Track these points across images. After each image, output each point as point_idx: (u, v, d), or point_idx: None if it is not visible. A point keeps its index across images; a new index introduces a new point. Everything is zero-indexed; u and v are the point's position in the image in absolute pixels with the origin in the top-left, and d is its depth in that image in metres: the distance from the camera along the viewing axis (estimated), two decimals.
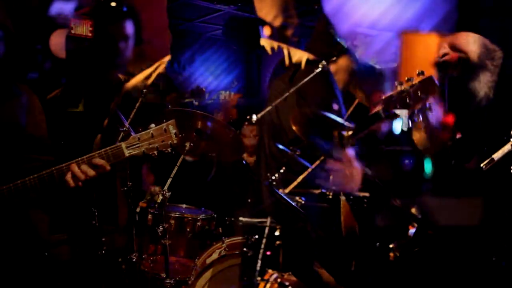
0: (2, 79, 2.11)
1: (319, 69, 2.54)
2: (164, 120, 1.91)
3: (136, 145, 1.86)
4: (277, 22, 2.84)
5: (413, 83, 1.40)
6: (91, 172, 1.85)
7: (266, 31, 2.99)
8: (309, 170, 3.15)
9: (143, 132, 1.88)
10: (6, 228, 1.93)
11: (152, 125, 1.89)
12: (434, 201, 1.64)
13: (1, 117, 2.03)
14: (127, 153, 1.86)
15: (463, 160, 1.58)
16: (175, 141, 1.87)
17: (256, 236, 2.57)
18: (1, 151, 1.97)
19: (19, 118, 2.07)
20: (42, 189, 1.87)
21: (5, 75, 2.13)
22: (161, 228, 2.57)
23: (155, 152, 1.87)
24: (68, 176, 1.85)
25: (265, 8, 2.82)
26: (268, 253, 2.61)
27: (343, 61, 2.69)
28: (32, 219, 2.08)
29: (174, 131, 1.88)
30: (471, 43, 1.47)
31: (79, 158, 1.87)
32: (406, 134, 2.58)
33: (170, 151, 1.89)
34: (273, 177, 3.21)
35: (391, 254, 1.55)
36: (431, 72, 1.67)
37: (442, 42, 1.47)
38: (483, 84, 1.46)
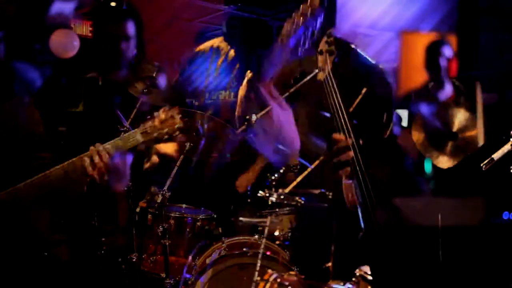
0: (3, 78, 2.11)
1: (316, 71, 2.54)
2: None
3: (149, 132, 1.99)
4: None
5: None
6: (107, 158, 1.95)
7: None
8: (309, 170, 3.15)
9: (152, 119, 2.00)
10: (5, 227, 1.94)
11: (156, 113, 2.01)
12: (434, 201, 1.64)
13: (3, 117, 2.04)
14: (141, 139, 1.98)
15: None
16: (182, 125, 2.00)
17: None
18: (6, 151, 1.97)
19: (20, 117, 2.08)
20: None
21: (6, 75, 2.14)
22: (161, 228, 2.57)
23: (166, 136, 2.01)
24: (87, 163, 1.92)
25: None
26: (268, 253, 2.61)
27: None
28: (32, 217, 2.08)
29: (179, 115, 2.01)
30: None
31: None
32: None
33: (178, 134, 2.04)
34: (273, 177, 3.21)
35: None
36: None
37: None
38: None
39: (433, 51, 2.55)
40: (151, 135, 1.99)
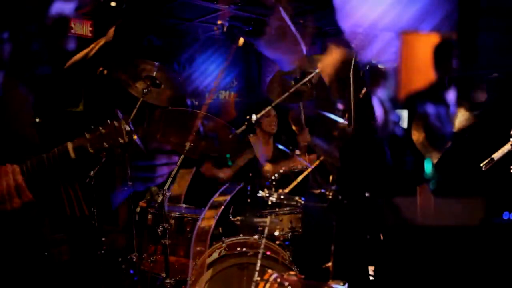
0: (9, 78, 2.11)
1: (317, 71, 2.55)
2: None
3: (84, 146, 1.73)
4: None
5: None
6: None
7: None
8: (309, 170, 3.15)
9: (92, 132, 1.75)
10: (6, 227, 1.93)
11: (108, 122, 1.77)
12: (435, 201, 1.64)
13: (8, 116, 2.03)
14: (73, 154, 1.73)
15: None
16: (126, 140, 1.75)
17: None
18: (13, 151, 1.97)
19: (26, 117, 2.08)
20: None
21: (11, 74, 2.13)
22: (161, 228, 2.57)
23: (104, 152, 1.75)
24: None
25: None
26: (268, 253, 2.61)
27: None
28: (32, 217, 2.08)
29: (127, 129, 1.76)
30: None
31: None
32: (405, 134, 2.59)
33: (121, 150, 1.77)
34: (273, 177, 3.22)
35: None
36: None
37: None
38: None
39: (445, 52, 2.55)
40: (86, 150, 1.73)
